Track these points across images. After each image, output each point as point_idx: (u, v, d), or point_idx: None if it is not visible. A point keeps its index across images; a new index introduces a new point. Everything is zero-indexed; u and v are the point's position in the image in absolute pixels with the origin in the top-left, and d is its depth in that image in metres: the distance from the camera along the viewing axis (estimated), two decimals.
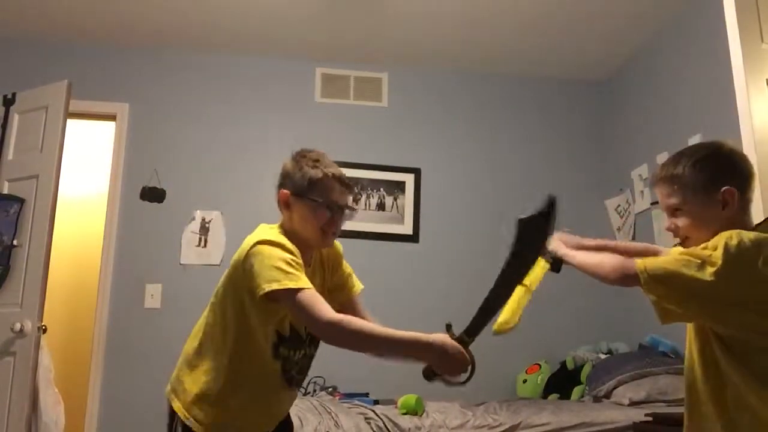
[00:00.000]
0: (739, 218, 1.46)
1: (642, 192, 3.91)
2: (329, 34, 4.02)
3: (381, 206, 4.16)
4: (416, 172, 4.24)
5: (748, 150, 2.21)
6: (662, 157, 3.71)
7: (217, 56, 4.23)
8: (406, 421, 2.77)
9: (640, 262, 1.43)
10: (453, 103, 4.42)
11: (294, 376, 1.75)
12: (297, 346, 1.72)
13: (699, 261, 1.36)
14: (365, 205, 4.16)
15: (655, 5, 3.63)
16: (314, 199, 1.69)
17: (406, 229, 4.15)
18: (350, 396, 3.28)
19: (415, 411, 2.85)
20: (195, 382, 1.66)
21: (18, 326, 3.08)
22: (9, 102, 3.56)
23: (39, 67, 3.97)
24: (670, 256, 1.48)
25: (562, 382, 3.66)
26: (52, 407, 3.14)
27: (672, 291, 1.38)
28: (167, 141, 4.09)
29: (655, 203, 3.78)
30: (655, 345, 3.41)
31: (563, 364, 3.79)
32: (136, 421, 3.60)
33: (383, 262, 4.07)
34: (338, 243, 1.89)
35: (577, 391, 3.53)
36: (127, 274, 3.84)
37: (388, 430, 2.72)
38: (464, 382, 1.57)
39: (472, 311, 1.63)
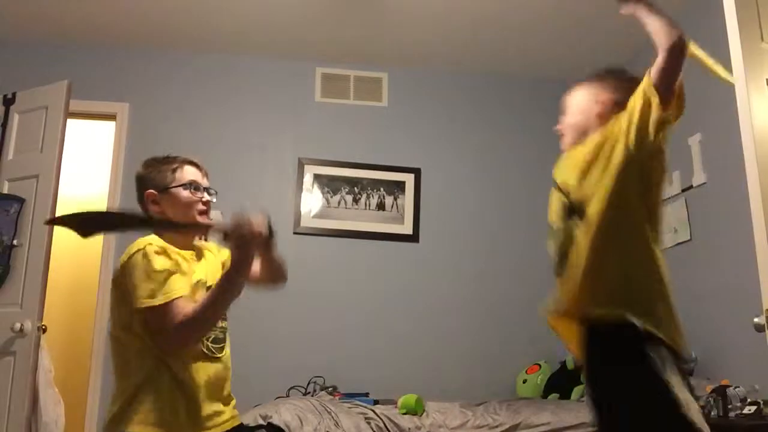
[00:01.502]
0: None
1: None
2: (329, 34, 4.02)
3: (381, 206, 4.16)
4: (416, 172, 4.24)
5: (748, 150, 2.20)
6: None
7: (217, 56, 4.23)
8: (406, 421, 2.77)
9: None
10: (453, 103, 4.42)
11: (211, 349, 1.76)
12: None
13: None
14: (365, 205, 4.16)
15: (655, 5, 3.62)
16: (179, 185, 1.83)
17: (406, 229, 4.15)
18: (350, 396, 3.28)
19: (415, 411, 2.85)
20: (140, 402, 1.63)
21: (18, 326, 3.07)
22: (9, 102, 3.56)
23: (39, 67, 3.96)
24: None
25: (562, 382, 3.65)
26: (52, 407, 3.14)
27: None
28: (167, 141, 4.07)
29: None
30: None
31: (563, 364, 3.79)
32: None
33: (383, 262, 4.07)
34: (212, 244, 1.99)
35: (577, 391, 3.53)
36: None
37: (388, 429, 2.72)
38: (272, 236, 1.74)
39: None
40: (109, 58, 4.13)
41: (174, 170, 1.86)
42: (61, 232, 3.69)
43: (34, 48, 4.06)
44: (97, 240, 3.98)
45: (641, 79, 1.65)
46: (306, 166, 4.13)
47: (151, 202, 1.83)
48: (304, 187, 4.11)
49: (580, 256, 1.52)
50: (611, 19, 3.79)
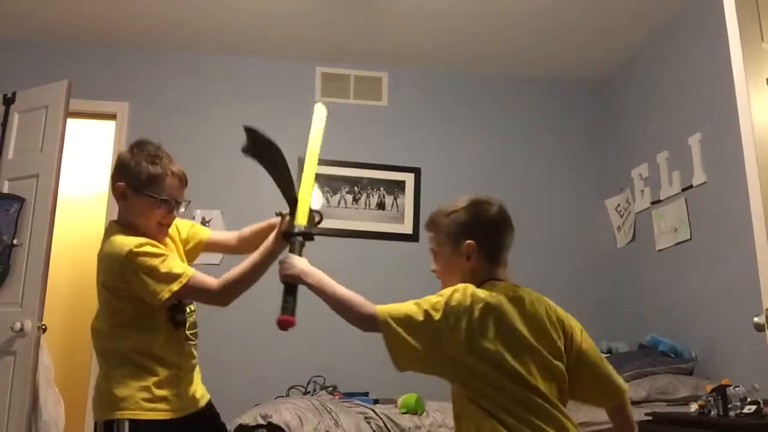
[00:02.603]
0: (482, 270, 1.60)
1: (642, 191, 3.91)
2: (329, 33, 4.02)
3: (381, 206, 4.16)
4: (416, 171, 4.24)
5: (748, 150, 2.20)
6: (662, 157, 3.71)
7: (217, 56, 4.23)
8: (406, 421, 2.77)
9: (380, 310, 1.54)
10: (453, 103, 4.42)
11: (189, 336, 1.85)
12: (184, 308, 1.83)
13: (425, 308, 1.49)
14: (365, 204, 4.16)
15: (655, 5, 3.63)
16: (152, 195, 1.76)
17: (406, 228, 4.15)
18: (350, 395, 3.28)
19: (415, 410, 2.86)
20: (125, 384, 1.72)
21: (18, 326, 3.07)
22: (9, 101, 3.56)
23: (39, 67, 3.96)
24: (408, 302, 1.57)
25: None
26: (53, 406, 3.14)
27: (404, 335, 1.48)
28: (167, 140, 4.01)
29: (655, 202, 3.78)
30: (655, 344, 3.42)
31: None
32: None
33: (383, 262, 4.07)
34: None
35: None
36: None
37: (388, 429, 2.72)
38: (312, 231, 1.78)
39: None
40: (109, 58, 4.13)
41: (155, 178, 1.76)
42: (61, 232, 3.70)
43: (34, 48, 4.06)
44: (97, 240, 3.97)
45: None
46: None
47: (119, 195, 1.79)
48: None
49: None
50: (611, 18, 3.80)
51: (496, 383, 1.44)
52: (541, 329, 1.54)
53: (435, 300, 1.52)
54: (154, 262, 1.68)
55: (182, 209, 1.85)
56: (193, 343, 1.86)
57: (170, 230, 1.90)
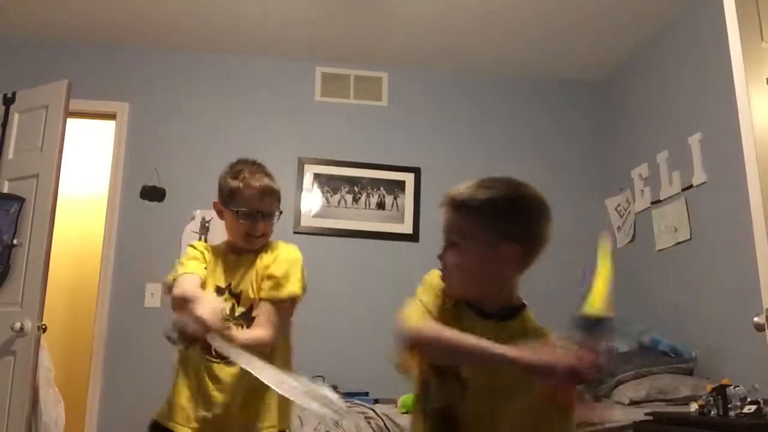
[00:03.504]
0: (515, 285, 1.29)
1: (642, 191, 3.91)
2: (329, 33, 4.02)
3: (381, 205, 4.16)
4: (416, 171, 4.24)
5: (748, 150, 2.20)
6: (662, 157, 3.71)
7: (217, 56, 4.23)
8: (406, 420, 2.77)
9: None
10: (453, 103, 4.41)
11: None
12: None
13: None
14: (365, 204, 4.16)
15: (655, 5, 3.63)
16: (232, 208, 1.87)
17: (406, 228, 4.15)
18: (350, 395, 3.27)
19: None
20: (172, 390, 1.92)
21: (18, 325, 3.07)
22: (9, 101, 3.56)
23: (39, 66, 3.96)
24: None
25: None
26: (53, 406, 3.14)
27: None
28: (167, 140, 4.09)
29: (655, 202, 3.78)
30: (655, 344, 3.41)
31: None
32: (136, 421, 3.60)
33: (383, 262, 4.07)
34: (292, 249, 1.93)
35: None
36: (127, 274, 3.84)
37: (388, 429, 2.72)
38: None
39: None
40: (109, 58, 4.13)
41: (235, 192, 1.87)
42: (61, 232, 3.70)
43: (34, 47, 4.05)
44: (97, 239, 3.98)
45: None
46: (306, 166, 4.13)
47: (217, 212, 1.95)
48: (304, 186, 4.11)
49: None
50: (611, 18, 3.80)
51: None
52: None
53: None
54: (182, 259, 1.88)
55: (268, 221, 1.88)
56: (215, 360, 1.78)
57: (268, 259, 1.87)
